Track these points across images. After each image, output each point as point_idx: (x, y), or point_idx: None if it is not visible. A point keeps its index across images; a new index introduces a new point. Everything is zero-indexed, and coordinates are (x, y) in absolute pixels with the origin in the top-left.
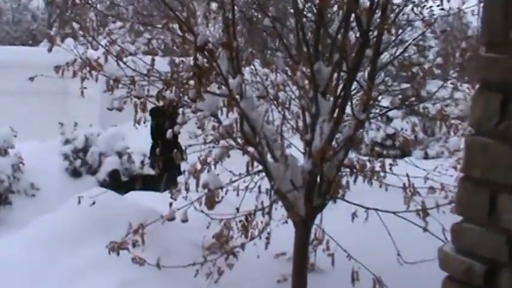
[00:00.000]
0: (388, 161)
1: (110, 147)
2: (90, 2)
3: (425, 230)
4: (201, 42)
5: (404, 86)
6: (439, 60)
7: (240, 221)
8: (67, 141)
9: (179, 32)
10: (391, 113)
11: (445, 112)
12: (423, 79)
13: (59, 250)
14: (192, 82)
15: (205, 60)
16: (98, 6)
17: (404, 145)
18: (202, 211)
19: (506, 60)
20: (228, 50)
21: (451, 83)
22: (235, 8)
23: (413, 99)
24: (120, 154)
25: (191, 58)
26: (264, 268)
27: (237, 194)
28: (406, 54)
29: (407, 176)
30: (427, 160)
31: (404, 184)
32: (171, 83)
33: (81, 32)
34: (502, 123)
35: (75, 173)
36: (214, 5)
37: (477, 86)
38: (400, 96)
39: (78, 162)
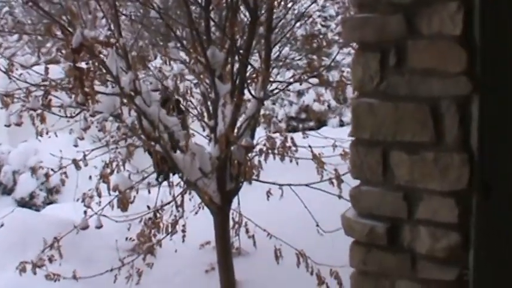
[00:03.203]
0: (297, 135)
1: (22, 164)
2: None
3: (340, 197)
4: (76, 44)
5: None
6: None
7: (150, 219)
8: None
9: (62, 37)
10: (300, 87)
11: (345, 79)
12: (321, 49)
13: None
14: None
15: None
16: None
17: (313, 116)
18: (104, 215)
19: (378, 19)
20: (111, 48)
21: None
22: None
23: (309, 70)
24: (34, 169)
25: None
26: (190, 260)
27: (149, 192)
28: (308, 27)
29: (310, 147)
30: (342, 127)
31: (314, 155)
32: (56, 88)
33: None
34: (383, 82)
35: None
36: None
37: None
38: (302, 69)
39: None
